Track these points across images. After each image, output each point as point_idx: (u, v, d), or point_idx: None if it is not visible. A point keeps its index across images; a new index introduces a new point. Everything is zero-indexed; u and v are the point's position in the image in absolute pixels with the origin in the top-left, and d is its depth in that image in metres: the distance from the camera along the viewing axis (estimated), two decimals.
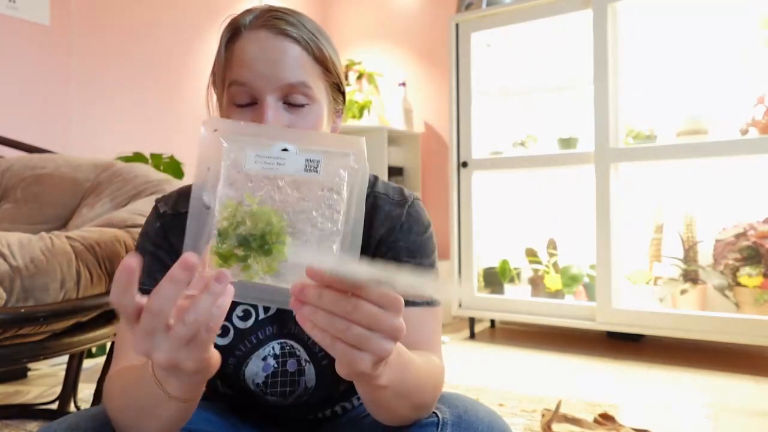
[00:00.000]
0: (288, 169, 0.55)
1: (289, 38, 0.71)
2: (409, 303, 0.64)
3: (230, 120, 0.57)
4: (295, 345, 0.80)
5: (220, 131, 0.55)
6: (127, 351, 0.70)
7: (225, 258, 0.52)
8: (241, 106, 0.72)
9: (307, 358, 0.81)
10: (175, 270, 0.48)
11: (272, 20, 0.71)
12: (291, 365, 0.80)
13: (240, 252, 0.52)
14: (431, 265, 0.79)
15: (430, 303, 0.74)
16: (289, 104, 0.71)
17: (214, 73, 0.77)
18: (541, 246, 2.80)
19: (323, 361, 0.81)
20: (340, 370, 0.51)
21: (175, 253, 0.76)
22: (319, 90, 0.73)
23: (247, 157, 0.53)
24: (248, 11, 0.74)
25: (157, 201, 0.81)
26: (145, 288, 0.58)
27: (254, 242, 0.51)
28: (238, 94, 0.71)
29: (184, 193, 0.80)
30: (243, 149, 0.54)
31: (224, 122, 0.57)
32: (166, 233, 0.77)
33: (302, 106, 0.72)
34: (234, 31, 0.73)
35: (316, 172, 0.55)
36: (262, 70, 0.69)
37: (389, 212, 0.78)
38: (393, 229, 0.77)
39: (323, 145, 0.57)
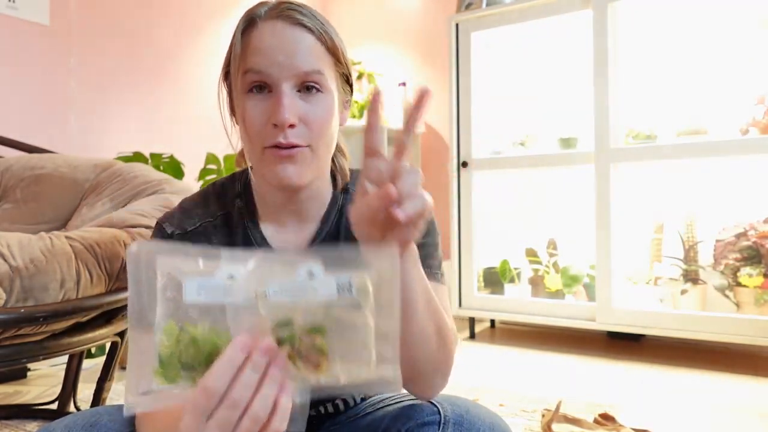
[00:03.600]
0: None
1: (304, 28, 0.73)
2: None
3: (159, 242, 0.53)
4: None
5: (144, 254, 0.50)
6: None
7: (171, 379, 0.49)
8: (255, 94, 0.73)
9: None
10: (258, 357, 0.47)
11: (287, 11, 0.74)
12: None
13: (187, 372, 0.49)
14: (439, 258, 0.83)
15: (439, 281, 0.79)
16: (303, 92, 0.73)
17: (227, 65, 0.78)
18: (541, 246, 2.80)
19: None
20: None
21: None
22: (331, 80, 0.76)
23: (187, 288, 0.49)
24: (263, 3, 0.77)
25: (161, 221, 0.80)
26: None
27: (200, 366, 0.49)
28: (252, 81, 0.73)
29: (186, 209, 0.82)
30: (182, 277, 0.49)
31: (152, 245, 0.51)
32: None
33: (315, 94, 0.73)
34: (249, 21, 0.75)
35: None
36: (277, 59, 0.71)
37: None
38: None
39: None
